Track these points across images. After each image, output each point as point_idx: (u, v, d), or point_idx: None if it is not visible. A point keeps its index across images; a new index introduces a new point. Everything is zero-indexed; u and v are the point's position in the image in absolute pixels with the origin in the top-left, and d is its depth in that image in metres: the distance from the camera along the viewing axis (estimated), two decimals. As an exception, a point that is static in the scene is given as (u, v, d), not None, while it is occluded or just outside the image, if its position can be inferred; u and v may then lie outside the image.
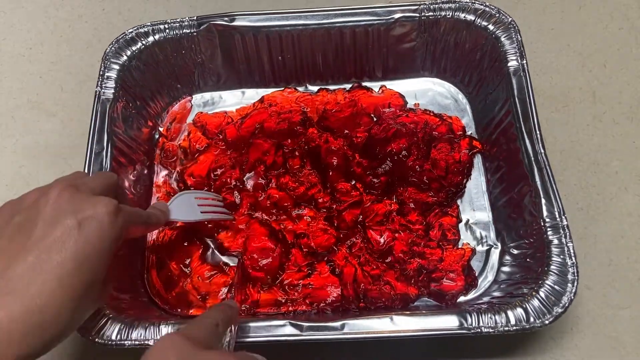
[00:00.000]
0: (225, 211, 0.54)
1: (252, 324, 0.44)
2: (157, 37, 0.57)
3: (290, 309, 0.50)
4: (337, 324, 0.43)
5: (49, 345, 0.35)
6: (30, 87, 0.66)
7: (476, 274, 0.51)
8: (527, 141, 0.49)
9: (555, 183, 0.47)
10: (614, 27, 0.65)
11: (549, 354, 0.49)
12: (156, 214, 0.46)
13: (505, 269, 0.51)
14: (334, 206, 0.54)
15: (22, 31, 0.70)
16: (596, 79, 0.62)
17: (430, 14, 0.56)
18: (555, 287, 0.43)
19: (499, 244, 0.52)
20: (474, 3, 0.55)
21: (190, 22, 0.57)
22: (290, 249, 0.53)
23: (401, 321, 0.43)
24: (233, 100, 0.63)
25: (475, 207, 0.55)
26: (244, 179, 0.56)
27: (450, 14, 0.56)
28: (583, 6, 0.67)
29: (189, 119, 0.62)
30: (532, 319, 0.42)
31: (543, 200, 0.47)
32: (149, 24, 0.57)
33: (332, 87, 0.62)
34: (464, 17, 0.56)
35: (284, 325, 0.43)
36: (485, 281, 0.51)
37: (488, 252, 0.52)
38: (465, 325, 0.42)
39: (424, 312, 0.45)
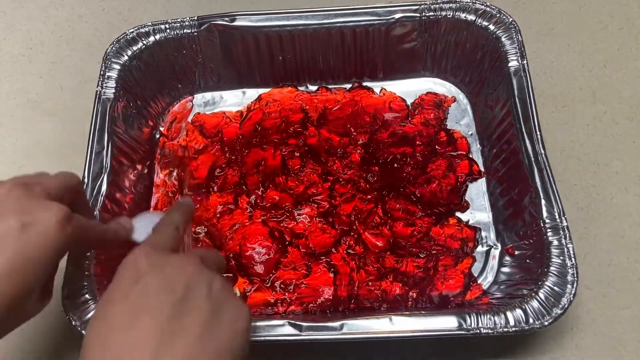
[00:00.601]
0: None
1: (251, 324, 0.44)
2: (157, 37, 0.57)
3: (281, 309, 0.50)
4: (336, 324, 0.43)
5: None
6: (30, 87, 0.66)
7: (477, 280, 0.51)
8: (528, 142, 0.49)
9: (555, 184, 0.47)
10: (614, 27, 0.65)
11: (549, 354, 0.49)
12: (114, 230, 0.42)
13: (505, 269, 0.51)
14: (331, 201, 0.54)
15: (22, 31, 0.70)
16: (596, 79, 0.62)
17: (431, 14, 0.56)
18: (555, 288, 0.43)
19: (499, 245, 0.52)
20: (475, 3, 0.55)
21: (191, 22, 0.57)
22: (287, 247, 0.53)
23: (400, 321, 0.43)
24: (234, 100, 0.63)
25: (475, 208, 0.55)
26: (244, 179, 0.56)
27: (451, 14, 0.56)
28: (583, 6, 0.67)
29: (190, 119, 0.62)
30: (531, 320, 0.42)
31: (543, 201, 0.47)
32: (149, 23, 0.57)
33: (332, 87, 0.62)
34: (465, 17, 0.56)
35: (282, 325, 0.43)
36: (485, 282, 0.51)
37: (488, 252, 0.52)
38: (465, 326, 0.42)
39: (423, 312, 0.45)
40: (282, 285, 0.51)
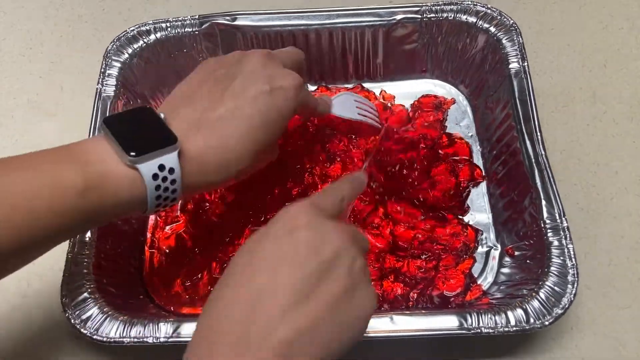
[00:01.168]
0: (376, 119, 0.57)
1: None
2: (158, 35, 0.57)
3: None
4: (337, 323, 0.43)
5: (229, 181, 0.41)
6: (30, 87, 0.66)
7: (477, 281, 0.51)
8: (528, 143, 0.49)
9: (555, 184, 0.47)
10: (614, 27, 0.65)
11: (549, 354, 0.49)
12: (323, 103, 0.50)
13: (505, 270, 0.51)
14: None
15: (22, 31, 0.70)
16: (596, 79, 0.62)
17: (432, 15, 0.56)
18: (555, 288, 0.44)
19: (499, 246, 0.52)
20: (476, 5, 0.56)
21: (192, 20, 0.57)
22: None
23: (401, 321, 0.43)
24: (234, 100, 0.63)
25: (475, 208, 0.55)
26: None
27: (452, 15, 0.56)
28: (583, 6, 0.67)
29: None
30: (532, 320, 0.43)
31: (543, 202, 0.47)
32: (150, 22, 0.57)
33: (332, 87, 0.62)
34: (466, 19, 0.56)
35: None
36: (484, 282, 0.51)
37: (488, 253, 0.52)
38: (465, 326, 0.43)
39: (423, 312, 0.45)
40: None
